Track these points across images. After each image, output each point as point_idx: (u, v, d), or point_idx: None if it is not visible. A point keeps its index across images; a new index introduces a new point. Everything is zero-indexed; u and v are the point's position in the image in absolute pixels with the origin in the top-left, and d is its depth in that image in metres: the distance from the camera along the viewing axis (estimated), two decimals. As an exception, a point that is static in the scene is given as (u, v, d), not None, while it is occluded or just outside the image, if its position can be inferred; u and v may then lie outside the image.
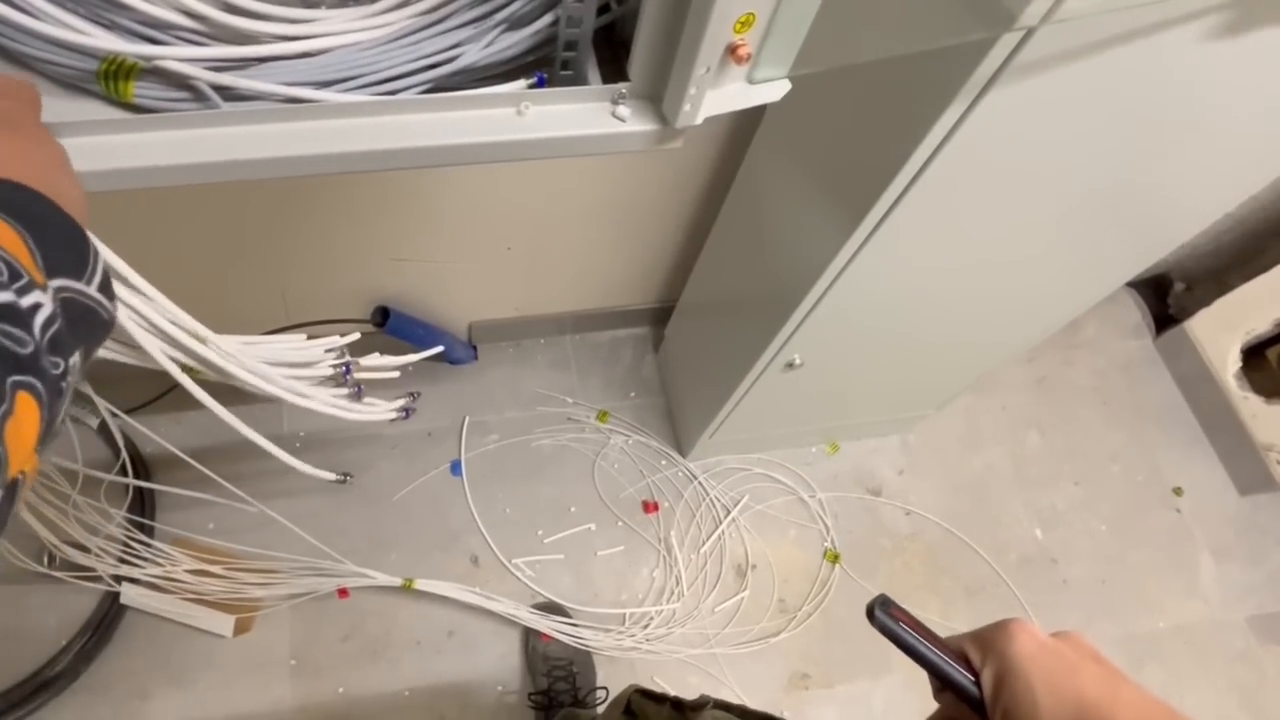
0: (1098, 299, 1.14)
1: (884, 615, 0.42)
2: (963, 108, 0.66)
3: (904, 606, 0.43)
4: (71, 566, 1.15)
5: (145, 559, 1.18)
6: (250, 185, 1.06)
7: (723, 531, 1.48)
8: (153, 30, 0.45)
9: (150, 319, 0.53)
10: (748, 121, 1.10)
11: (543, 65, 0.50)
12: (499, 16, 0.46)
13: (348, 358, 0.69)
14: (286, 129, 0.43)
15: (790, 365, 1.12)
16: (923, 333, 1.14)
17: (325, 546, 1.20)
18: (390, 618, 1.34)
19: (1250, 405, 1.63)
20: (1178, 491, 1.67)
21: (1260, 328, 1.62)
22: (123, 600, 1.26)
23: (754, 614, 1.43)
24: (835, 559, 1.49)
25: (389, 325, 1.33)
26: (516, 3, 0.46)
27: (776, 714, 0.68)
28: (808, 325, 1.00)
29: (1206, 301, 1.68)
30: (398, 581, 1.31)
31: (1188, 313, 1.73)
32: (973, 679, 0.41)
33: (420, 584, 1.31)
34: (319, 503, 1.37)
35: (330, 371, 0.68)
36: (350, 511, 1.39)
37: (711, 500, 1.50)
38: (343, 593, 1.34)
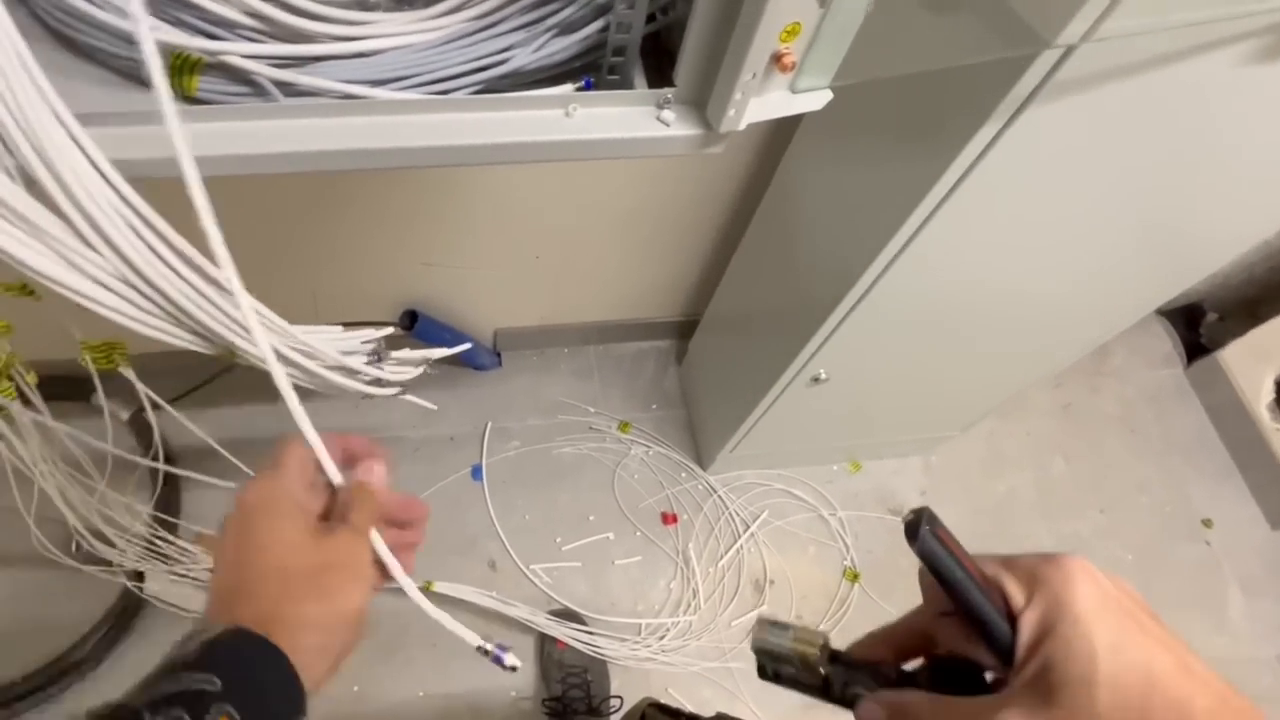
0: (1129, 323, 1.13)
1: (930, 538, 0.33)
2: (999, 124, 0.66)
3: (947, 528, 0.33)
4: (96, 560, 1.17)
5: (168, 556, 1.19)
6: (288, 185, 1.09)
7: (741, 546, 1.47)
8: (214, 27, 0.46)
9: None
10: (780, 134, 1.11)
11: (590, 70, 0.51)
12: (550, 22, 0.47)
13: (381, 349, 0.71)
14: (344, 123, 0.44)
15: (816, 379, 1.12)
16: (949, 350, 1.14)
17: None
18: (407, 619, 1.34)
19: (1283, 438, 1.61)
20: (1207, 524, 1.64)
21: (1295, 359, 1.60)
22: (144, 594, 1.28)
23: (771, 630, 1.42)
24: (855, 578, 1.48)
25: (416, 329, 1.35)
26: (568, 9, 0.47)
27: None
28: (835, 339, 1.00)
29: (1239, 332, 1.66)
30: (416, 583, 1.31)
31: (1219, 343, 1.70)
32: (1006, 617, 0.33)
33: (438, 586, 1.32)
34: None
35: (365, 362, 0.69)
36: (371, 512, 1.40)
37: (731, 514, 1.50)
38: (361, 592, 1.34)
